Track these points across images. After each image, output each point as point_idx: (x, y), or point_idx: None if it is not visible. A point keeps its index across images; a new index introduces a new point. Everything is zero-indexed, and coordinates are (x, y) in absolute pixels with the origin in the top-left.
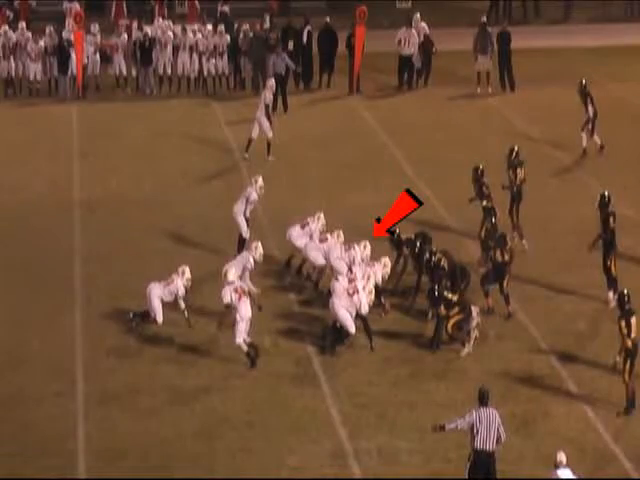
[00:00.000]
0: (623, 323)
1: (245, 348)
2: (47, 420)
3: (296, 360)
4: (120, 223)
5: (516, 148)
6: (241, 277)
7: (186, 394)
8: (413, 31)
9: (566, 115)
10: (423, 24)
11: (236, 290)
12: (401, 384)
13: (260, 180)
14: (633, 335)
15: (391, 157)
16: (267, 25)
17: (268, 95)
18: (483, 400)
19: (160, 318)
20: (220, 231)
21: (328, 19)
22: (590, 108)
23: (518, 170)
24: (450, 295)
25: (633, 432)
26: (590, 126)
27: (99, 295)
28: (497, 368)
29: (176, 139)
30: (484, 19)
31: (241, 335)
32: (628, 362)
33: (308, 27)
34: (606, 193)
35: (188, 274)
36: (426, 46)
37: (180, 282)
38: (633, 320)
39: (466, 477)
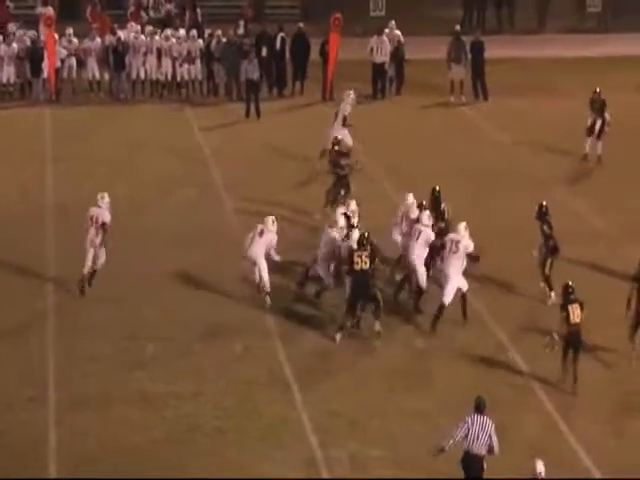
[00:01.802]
0: (563, 310)
1: None
2: (18, 426)
3: (268, 367)
4: None
5: (544, 203)
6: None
7: (158, 400)
8: (385, 38)
9: (539, 124)
10: (397, 32)
11: None
12: (373, 393)
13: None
14: (572, 321)
15: (364, 165)
16: (241, 31)
17: (347, 107)
18: (479, 408)
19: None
20: (192, 235)
21: (302, 25)
22: (606, 115)
23: (550, 223)
24: None
25: (606, 444)
26: (597, 134)
27: (71, 300)
28: (468, 378)
29: (149, 144)
30: (458, 28)
31: None
32: (567, 347)
33: (282, 34)
34: (544, 203)
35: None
36: (399, 54)
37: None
38: (571, 308)
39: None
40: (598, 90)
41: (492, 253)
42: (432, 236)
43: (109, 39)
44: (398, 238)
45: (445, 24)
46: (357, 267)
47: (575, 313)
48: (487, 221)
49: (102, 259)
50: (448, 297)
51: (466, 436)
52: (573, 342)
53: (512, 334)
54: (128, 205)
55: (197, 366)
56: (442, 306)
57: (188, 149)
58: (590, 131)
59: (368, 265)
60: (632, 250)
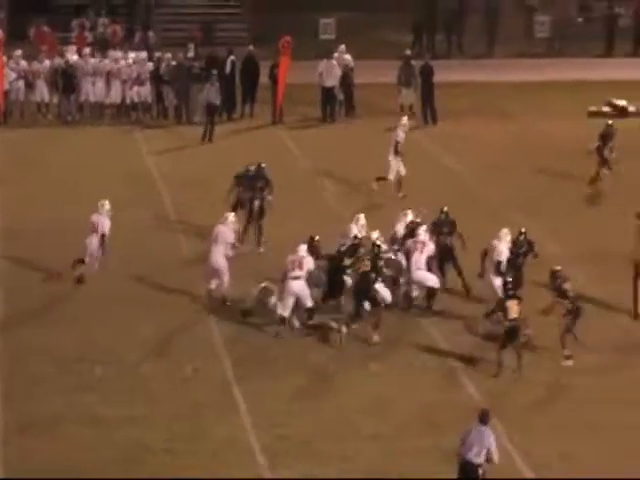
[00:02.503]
0: (501, 306)
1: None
2: None
3: (217, 388)
4: (40, 251)
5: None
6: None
7: (107, 422)
8: (334, 62)
9: (488, 148)
10: (347, 56)
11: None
12: (325, 414)
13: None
14: (510, 316)
15: (316, 188)
16: (191, 54)
17: (400, 133)
18: (482, 419)
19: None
20: (142, 258)
21: (251, 49)
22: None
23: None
24: None
25: (554, 466)
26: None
27: (19, 323)
28: (423, 401)
29: (98, 167)
30: (408, 52)
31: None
32: (506, 342)
33: (232, 57)
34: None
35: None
36: (348, 78)
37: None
38: (508, 303)
39: None
40: (611, 123)
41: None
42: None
43: (58, 61)
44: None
45: (395, 48)
46: (360, 269)
47: (513, 309)
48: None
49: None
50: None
51: (463, 444)
52: (511, 336)
53: (465, 359)
54: (76, 228)
55: (147, 388)
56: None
57: (137, 172)
58: (604, 162)
59: (369, 268)
60: (580, 271)
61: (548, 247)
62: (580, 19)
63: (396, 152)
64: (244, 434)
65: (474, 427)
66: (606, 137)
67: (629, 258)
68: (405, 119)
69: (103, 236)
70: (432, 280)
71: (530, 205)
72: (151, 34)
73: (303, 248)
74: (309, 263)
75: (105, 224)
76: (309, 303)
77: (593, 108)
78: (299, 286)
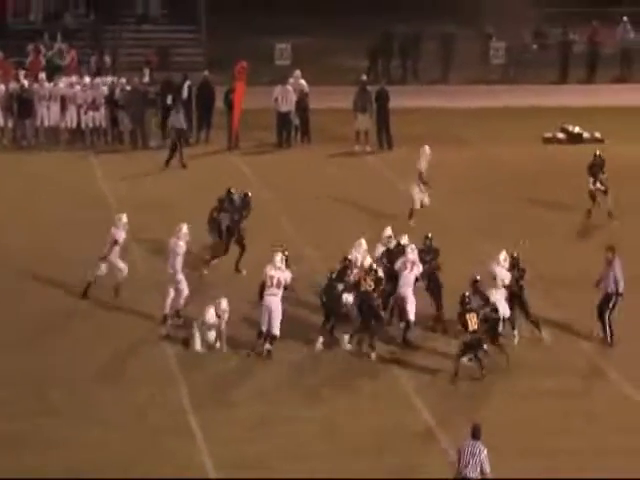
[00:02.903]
0: (461, 319)
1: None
2: None
3: (173, 413)
4: None
5: (516, 254)
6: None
7: (63, 447)
8: (289, 87)
9: (443, 173)
10: (302, 81)
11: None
12: (279, 441)
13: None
14: (470, 328)
15: (271, 213)
16: (146, 79)
17: (422, 163)
18: (474, 434)
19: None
20: (98, 281)
21: (207, 74)
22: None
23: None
24: None
25: None
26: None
27: None
28: (372, 423)
29: (53, 192)
30: (364, 78)
31: None
32: (465, 352)
33: (188, 82)
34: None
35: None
36: (303, 104)
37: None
38: (468, 316)
39: None
40: (598, 153)
41: None
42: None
43: (13, 86)
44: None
45: (351, 74)
46: (362, 288)
47: (472, 321)
48: None
49: (124, 272)
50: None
51: (459, 461)
52: (472, 347)
53: (417, 383)
54: (29, 252)
55: (103, 413)
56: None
57: (92, 197)
58: (593, 196)
59: (372, 287)
60: (539, 295)
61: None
62: (535, 46)
63: (421, 182)
64: (200, 459)
65: (467, 443)
66: (594, 167)
67: (598, 289)
68: (427, 148)
69: (116, 242)
70: (412, 306)
71: (489, 229)
72: (107, 58)
73: (281, 264)
74: (287, 279)
75: (118, 235)
76: (276, 330)
77: (548, 134)
78: (274, 304)
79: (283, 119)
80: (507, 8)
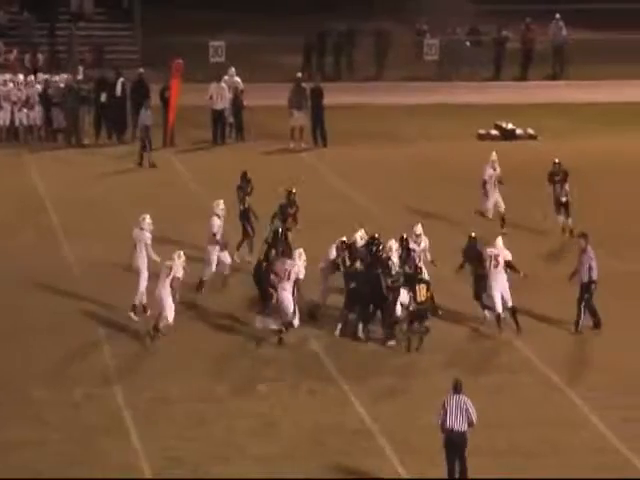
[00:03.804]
0: (410, 289)
1: None
2: None
3: (108, 413)
4: None
5: (473, 234)
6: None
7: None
8: (224, 85)
9: (378, 170)
10: (237, 79)
11: None
12: (215, 439)
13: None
14: (419, 299)
15: (203, 209)
16: (80, 77)
17: (488, 169)
18: (456, 388)
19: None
20: (31, 279)
21: (142, 71)
22: (566, 187)
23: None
24: None
25: None
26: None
27: None
28: (308, 422)
29: None
30: (299, 75)
31: None
32: (413, 322)
33: (121, 79)
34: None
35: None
36: (238, 101)
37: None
38: (418, 287)
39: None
40: (558, 161)
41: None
42: None
43: None
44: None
45: (285, 71)
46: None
47: (422, 292)
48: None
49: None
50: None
51: (445, 416)
52: (419, 317)
53: (354, 381)
54: None
55: (38, 413)
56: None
57: (26, 194)
58: (558, 207)
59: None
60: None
61: (442, 269)
62: (468, 43)
63: (486, 187)
64: (136, 459)
65: (450, 398)
66: (555, 176)
67: (573, 280)
68: (494, 154)
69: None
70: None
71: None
72: (40, 56)
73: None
74: (299, 273)
75: (147, 237)
76: (290, 319)
77: (482, 131)
78: (284, 298)
79: (218, 116)
80: (441, 5)
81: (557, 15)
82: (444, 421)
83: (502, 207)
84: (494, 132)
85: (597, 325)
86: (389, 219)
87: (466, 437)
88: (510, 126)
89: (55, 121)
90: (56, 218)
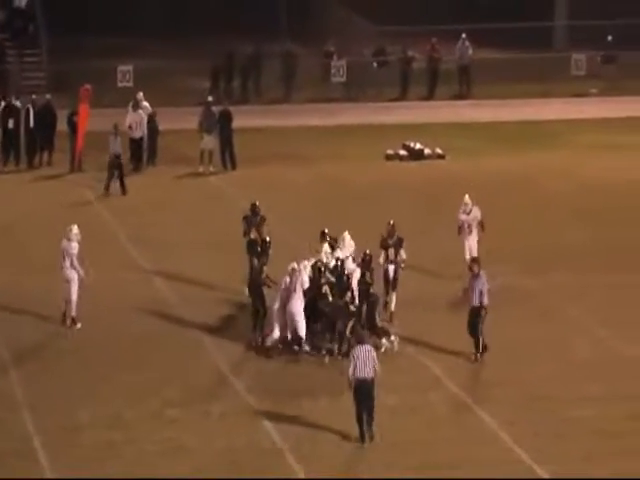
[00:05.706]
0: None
1: None
2: None
3: (18, 438)
4: None
5: (368, 252)
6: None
7: None
8: (141, 112)
9: (287, 192)
10: (145, 103)
11: None
12: (123, 461)
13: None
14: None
15: (113, 236)
16: None
17: (462, 215)
18: (360, 339)
19: None
20: None
21: (49, 97)
22: (402, 254)
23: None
24: None
25: None
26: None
27: None
28: (220, 444)
29: None
30: (210, 98)
31: None
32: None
33: (28, 105)
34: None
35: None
36: (151, 125)
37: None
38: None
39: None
40: (392, 222)
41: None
42: None
43: None
44: None
45: (194, 94)
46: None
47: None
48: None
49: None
50: None
51: (356, 366)
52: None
53: (268, 402)
54: None
55: None
56: None
57: None
58: (386, 279)
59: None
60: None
61: None
62: (375, 64)
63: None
64: None
65: (358, 349)
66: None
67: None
68: (466, 197)
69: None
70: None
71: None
72: None
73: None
74: (304, 283)
75: (73, 247)
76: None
77: (390, 151)
78: (294, 307)
79: (136, 146)
80: (347, 27)
81: (463, 35)
82: (355, 370)
83: (474, 254)
84: (402, 152)
85: (484, 349)
86: (295, 241)
87: (374, 382)
88: (418, 146)
89: None
90: None
